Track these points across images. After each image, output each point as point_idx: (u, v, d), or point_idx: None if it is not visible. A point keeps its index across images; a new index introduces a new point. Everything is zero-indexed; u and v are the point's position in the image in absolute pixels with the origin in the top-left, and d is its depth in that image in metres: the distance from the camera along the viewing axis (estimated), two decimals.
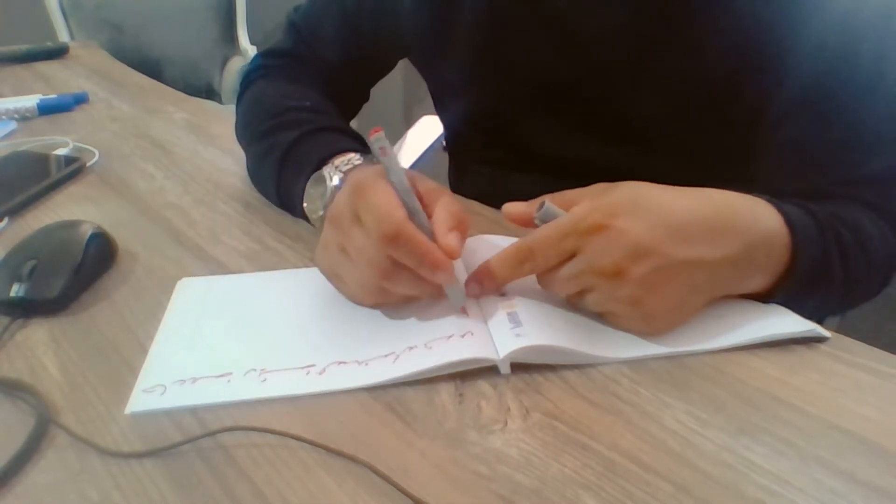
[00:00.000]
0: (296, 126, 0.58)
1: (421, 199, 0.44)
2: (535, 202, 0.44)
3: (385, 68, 0.75)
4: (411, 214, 0.42)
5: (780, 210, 0.43)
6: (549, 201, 0.43)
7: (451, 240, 0.41)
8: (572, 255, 0.41)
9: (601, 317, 0.43)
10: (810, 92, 0.50)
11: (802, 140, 0.51)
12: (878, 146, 0.49)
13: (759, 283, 0.43)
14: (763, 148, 0.54)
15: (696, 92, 0.54)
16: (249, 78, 0.71)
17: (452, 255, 0.41)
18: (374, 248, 0.40)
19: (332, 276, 0.46)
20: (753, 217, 0.42)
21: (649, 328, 0.42)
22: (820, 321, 0.44)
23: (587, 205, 0.41)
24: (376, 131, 0.41)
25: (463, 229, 0.43)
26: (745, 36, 0.50)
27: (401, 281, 0.42)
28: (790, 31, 0.49)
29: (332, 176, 0.52)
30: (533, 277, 0.43)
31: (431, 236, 0.42)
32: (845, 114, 0.49)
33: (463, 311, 0.43)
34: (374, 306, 0.45)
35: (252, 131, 0.63)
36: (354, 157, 0.53)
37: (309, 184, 0.53)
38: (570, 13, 0.56)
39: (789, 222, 0.43)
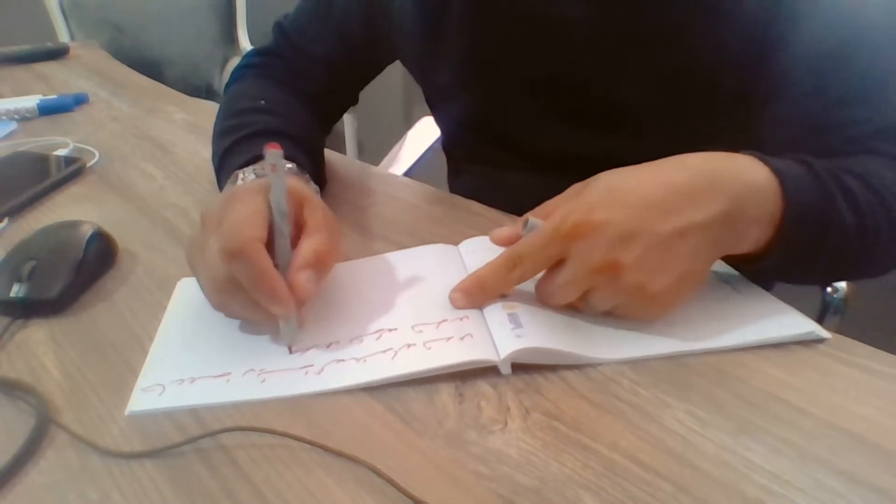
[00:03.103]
0: (239, 129, 0.59)
1: (302, 228, 0.44)
2: (520, 222, 0.44)
3: (373, 72, 0.75)
4: (276, 238, 0.42)
5: (763, 160, 0.42)
6: (532, 217, 0.43)
7: (298, 277, 0.40)
8: (560, 260, 0.41)
9: (612, 312, 0.42)
10: (803, 58, 0.49)
11: (803, 106, 0.50)
12: (884, 99, 0.48)
13: (757, 235, 0.42)
14: (758, 127, 0.54)
15: (679, 79, 0.54)
16: (230, 79, 0.72)
17: (295, 292, 0.40)
18: (217, 259, 0.40)
19: (193, 274, 0.45)
20: (733, 170, 0.42)
21: (661, 308, 0.42)
22: (821, 319, 0.43)
23: (564, 208, 0.41)
24: (271, 147, 0.41)
25: (321, 269, 0.42)
26: (724, 23, 0.50)
27: (237, 300, 0.41)
28: (770, 15, 0.49)
29: (245, 178, 0.52)
30: (533, 279, 0.43)
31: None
32: (844, 75, 0.48)
33: (290, 350, 0.42)
34: (229, 316, 0.44)
35: (214, 134, 0.64)
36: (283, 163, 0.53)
37: (226, 185, 0.54)
38: (550, 9, 0.56)
39: (775, 170, 0.42)
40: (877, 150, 0.47)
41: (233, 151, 0.57)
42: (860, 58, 0.48)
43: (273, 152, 0.41)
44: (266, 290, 0.39)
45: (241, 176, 0.52)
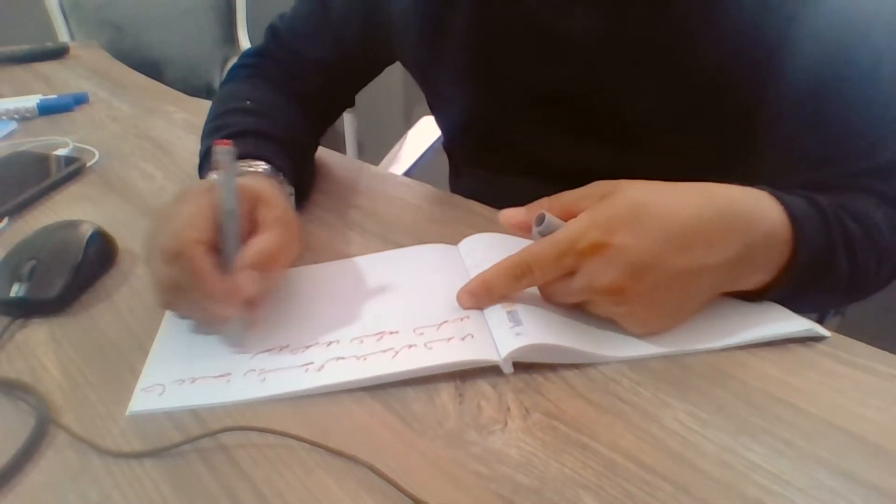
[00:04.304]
0: (220, 130, 0.59)
1: (256, 226, 0.44)
2: (533, 209, 0.44)
3: (370, 75, 0.74)
4: (224, 238, 0.42)
5: (783, 203, 0.42)
6: (548, 210, 0.42)
7: (240, 277, 0.40)
8: (572, 271, 0.41)
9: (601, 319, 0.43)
10: (803, 89, 0.49)
11: (800, 136, 0.51)
12: (880, 137, 0.49)
13: (758, 279, 0.43)
14: (760, 145, 0.54)
15: (684, 94, 0.54)
16: (223, 80, 0.73)
17: (237, 293, 0.40)
18: (159, 261, 0.40)
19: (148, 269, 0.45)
20: (755, 215, 0.42)
21: (647, 331, 0.42)
22: (821, 319, 0.44)
23: (585, 221, 0.40)
24: (222, 144, 0.41)
25: (269, 269, 0.42)
26: (732, 38, 0.50)
27: (182, 301, 0.41)
28: (779, 32, 0.49)
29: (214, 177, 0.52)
30: None
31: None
32: (842, 109, 0.49)
33: (239, 349, 0.42)
34: (182, 317, 0.45)
35: (201, 136, 0.64)
36: (257, 164, 0.53)
37: None
38: (554, 19, 0.56)
39: (792, 216, 0.42)
40: (867, 188, 0.48)
41: (206, 158, 0.58)
42: (860, 90, 0.48)
43: (221, 149, 0.41)
44: (206, 291, 0.39)
45: (213, 177, 0.52)
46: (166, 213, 0.43)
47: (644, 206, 0.40)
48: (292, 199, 0.56)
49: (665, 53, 0.53)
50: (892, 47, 0.48)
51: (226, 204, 0.42)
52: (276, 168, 0.55)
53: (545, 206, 0.44)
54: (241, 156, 0.54)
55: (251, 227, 0.44)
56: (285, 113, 0.65)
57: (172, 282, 0.41)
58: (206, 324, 0.44)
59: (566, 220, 0.42)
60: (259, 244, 0.42)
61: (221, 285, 0.40)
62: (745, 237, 0.41)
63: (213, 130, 0.60)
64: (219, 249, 0.42)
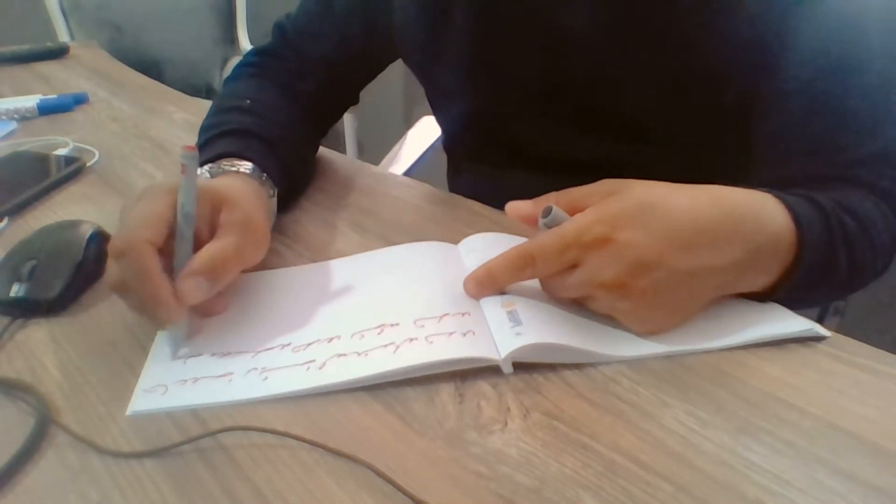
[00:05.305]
0: (214, 128, 0.59)
1: (215, 229, 0.44)
2: (540, 203, 0.44)
3: (374, 71, 0.75)
4: (176, 242, 0.42)
5: (787, 206, 0.43)
6: (556, 205, 0.42)
7: (184, 283, 0.40)
8: (575, 264, 0.41)
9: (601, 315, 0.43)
10: (798, 80, 0.50)
11: (793, 129, 0.51)
12: (870, 128, 0.49)
13: (762, 282, 0.43)
14: (756, 136, 0.54)
15: (682, 87, 0.54)
16: (227, 78, 0.73)
17: (180, 298, 0.40)
18: (109, 256, 0.41)
19: None
20: (761, 219, 0.42)
21: (647, 329, 0.42)
22: (821, 319, 0.44)
23: (591, 215, 0.40)
24: (188, 149, 0.41)
25: (216, 276, 0.42)
26: (730, 32, 0.50)
27: (128, 299, 0.42)
28: (776, 25, 0.49)
29: (203, 175, 0.52)
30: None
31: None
32: (834, 100, 0.49)
33: (172, 357, 0.42)
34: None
35: (199, 133, 0.64)
36: (239, 164, 0.53)
37: None
38: (555, 13, 0.56)
39: (796, 219, 0.42)
40: (858, 178, 0.48)
41: (201, 150, 0.57)
42: (852, 82, 0.48)
43: (185, 154, 0.41)
44: (148, 293, 0.39)
45: (202, 173, 0.52)
46: (127, 210, 0.43)
47: (651, 205, 0.40)
48: (274, 200, 0.56)
49: (666, 47, 0.53)
50: (884, 38, 0.48)
51: (183, 208, 0.42)
52: (261, 168, 0.54)
53: (552, 200, 0.44)
54: (226, 155, 0.54)
55: (211, 230, 0.44)
56: (284, 113, 0.64)
57: (119, 279, 0.41)
58: (152, 324, 0.44)
59: (572, 216, 0.42)
60: (211, 250, 0.42)
61: (165, 289, 0.40)
62: (751, 241, 0.41)
63: (208, 128, 0.60)
64: (172, 252, 0.42)
